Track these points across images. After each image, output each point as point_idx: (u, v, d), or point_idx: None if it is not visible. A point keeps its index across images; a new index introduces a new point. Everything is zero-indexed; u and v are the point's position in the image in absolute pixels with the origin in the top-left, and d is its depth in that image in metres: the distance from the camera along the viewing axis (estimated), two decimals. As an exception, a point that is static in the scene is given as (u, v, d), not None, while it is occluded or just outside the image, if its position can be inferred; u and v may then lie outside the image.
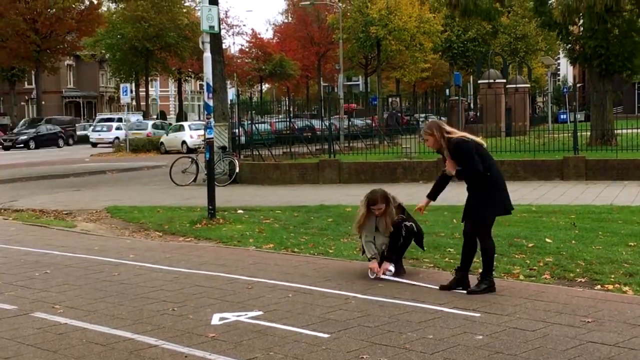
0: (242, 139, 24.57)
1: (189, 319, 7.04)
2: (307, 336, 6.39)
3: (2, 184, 24.30)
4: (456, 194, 16.76)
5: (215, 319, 6.98)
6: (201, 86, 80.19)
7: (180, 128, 43.21)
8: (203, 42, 13.77)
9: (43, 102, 60.29)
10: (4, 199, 18.95)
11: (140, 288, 8.40)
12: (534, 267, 8.95)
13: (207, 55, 13.74)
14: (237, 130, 23.93)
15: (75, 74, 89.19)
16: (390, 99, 51.43)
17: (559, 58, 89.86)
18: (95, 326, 6.85)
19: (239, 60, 75.11)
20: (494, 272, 8.04)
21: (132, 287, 8.45)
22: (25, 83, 76.38)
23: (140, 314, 7.25)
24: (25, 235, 13.02)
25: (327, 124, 26.53)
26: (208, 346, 6.16)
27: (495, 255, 9.63)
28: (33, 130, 55.17)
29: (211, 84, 13.91)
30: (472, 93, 54.45)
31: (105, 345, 6.29)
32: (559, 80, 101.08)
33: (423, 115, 42.97)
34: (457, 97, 41.66)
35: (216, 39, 20.19)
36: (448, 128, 8.03)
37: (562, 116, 60.84)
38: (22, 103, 78.75)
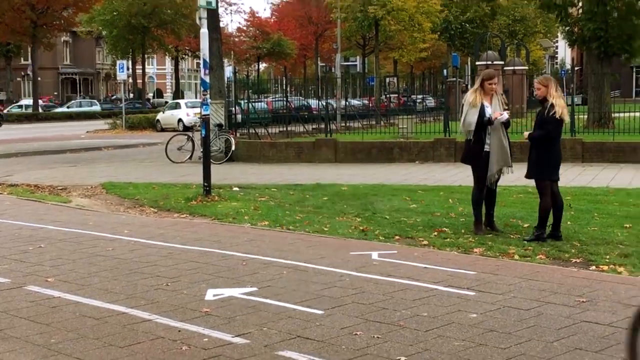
0: (239, 117, 24.51)
1: (182, 294, 7.03)
2: (301, 312, 6.38)
3: (-3, 159, 24.21)
4: (452, 175, 16.78)
5: (209, 295, 6.96)
6: (198, 64, 79.86)
7: (177, 106, 43.03)
8: (200, 18, 13.68)
9: (39, 79, 59.95)
10: (-1, 174, 18.88)
11: (135, 263, 8.38)
12: (529, 247, 8.94)
13: (204, 31, 13.65)
14: (233, 109, 23.86)
15: (71, 50, 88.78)
16: (387, 80, 51.26)
17: (557, 41, 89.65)
18: (89, 300, 6.83)
19: (236, 39, 74.78)
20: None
21: (126, 262, 8.43)
22: (22, 59, 75.97)
23: (134, 289, 7.23)
24: (19, 209, 12.97)
25: (324, 103, 26.43)
26: (201, 321, 6.15)
27: (491, 234, 9.69)
28: None
29: (208, 60, 13.82)
30: (469, 74, 54.34)
31: (98, 319, 6.27)
32: (557, 63, 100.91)
33: (420, 96, 42.89)
34: (454, 79, 41.54)
35: (213, 16, 20.06)
36: (558, 92, 9.25)
37: (559, 99, 60.63)
38: (18, 79, 78.42)
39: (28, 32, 53.35)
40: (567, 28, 30.10)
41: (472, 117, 9.62)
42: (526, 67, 47.02)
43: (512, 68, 43.06)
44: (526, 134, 9.64)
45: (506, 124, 9.73)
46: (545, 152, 9.35)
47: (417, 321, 6.10)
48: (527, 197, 12.95)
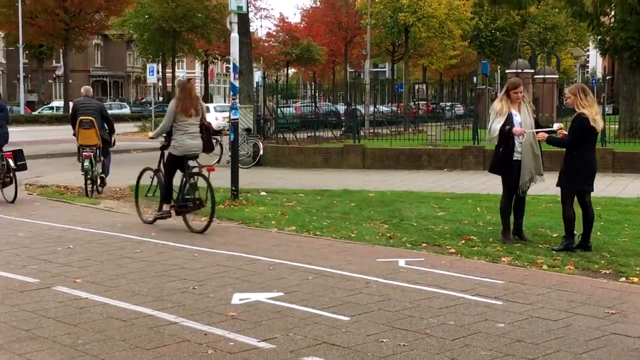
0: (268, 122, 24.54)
1: (209, 297, 7.04)
2: (327, 318, 6.36)
3: (28, 159, 24.42)
4: (480, 183, 16.68)
5: (236, 299, 6.96)
6: (227, 69, 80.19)
7: (206, 110, 43.24)
8: (231, 23, 13.72)
9: (70, 81, 60.48)
10: (30, 175, 19.04)
11: (162, 266, 8.41)
12: (558, 257, 8.85)
13: (235, 35, 13.70)
14: (262, 113, 23.91)
15: (102, 53, 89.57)
16: (416, 86, 51.14)
17: (588, 50, 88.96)
18: (116, 301, 6.87)
19: (266, 44, 74.99)
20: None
21: (154, 265, 8.47)
22: (54, 61, 76.76)
23: (161, 292, 7.25)
24: (49, 210, 13.08)
25: (352, 109, 26.41)
26: (227, 325, 6.15)
27: (519, 244, 9.61)
28: None
29: (238, 64, 13.86)
30: (499, 82, 54.08)
31: (125, 320, 6.29)
32: (587, 72, 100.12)
33: (449, 103, 42.73)
34: (484, 86, 41.35)
35: (244, 21, 20.13)
36: (588, 100, 9.15)
37: (589, 108, 60.18)
38: (50, 81, 79.18)
39: (60, 34, 53.88)
40: (599, 37, 29.86)
41: (497, 125, 9.56)
42: (556, 76, 46.71)
43: (542, 76, 42.77)
44: (557, 125, 9.67)
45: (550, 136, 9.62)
46: (575, 160, 9.21)
47: (444, 330, 6.06)
48: (556, 206, 12.79)
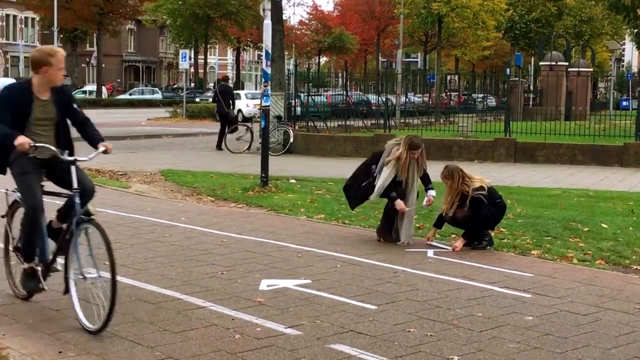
0: (298, 109, 24.55)
1: (237, 283, 7.06)
2: (355, 306, 6.35)
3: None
4: (510, 175, 16.56)
5: (263, 285, 6.98)
6: (259, 56, 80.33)
7: (237, 96, 43.32)
8: (264, 10, 13.73)
9: (103, 65, 60.92)
10: (62, 157, 19.26)
11: (191, 250, 8.45)
12: (589, 252, 8.77)
13: (267, 22, 13.70)
14: (293, 101, 23.92)
15: (135, 38, 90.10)
16: (448, 77, 50.84)
17: (624, 43, 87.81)
18: (145, 284, 6.91)
19: (298, 32, 74.94)
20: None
21: (183, 249, 8.51)
22: (87, 45, 77.32)
23: (190, 276, 7.29)
24: (80, 193, 13.17)
25: (384, 99, 26.32)
26: (255, 310, 6.17)
27: (549, 237, 9.52)
28: None
29: (270, 52, 13.87)
30: (532, 75, 53.59)
31: (154, 303, 6.34)
32: (623, 65, 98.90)
33: (481, 95, 42.45)
34: (517, 79, 41.01)
35: (277, 8, 20.13)
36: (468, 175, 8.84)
37: (624, 103, 59.50)
38: (83, 65, 79.77)
39: (94, 19, 54.27)
40: (635, 30, 29.48)
41: (385, 183, 9.06)
42: (591, 69, 46.19)
43: (576, 69, 42.34)
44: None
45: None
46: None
47: (472, 321, 6.03)
48: (587, 200, 12.72)
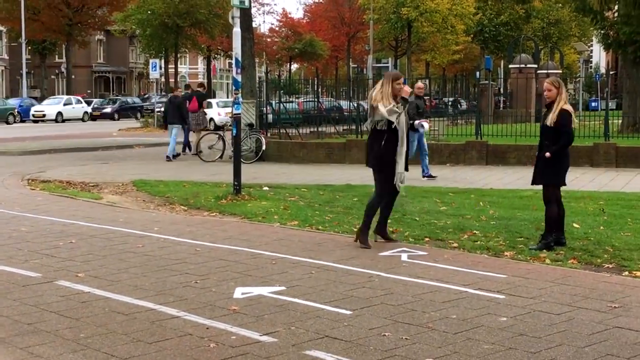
0: (270, 117, 24.54)
1: (211, 291, 7.03)
2: (329, 312, 6.35)
3: (31, 154, 24.50)
4: (483, 178, 16.66)
5: (238, 293, 6.96)
6: (230, 64, 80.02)
7: (208, 105, 43.21)
8: (233, 17, 13.70)
9: (73, 76, 60.57)
10: (32, 170, 19.07)
11: (164, 260, 8.41)
12: (561, 252, 8.84)
13: (237, 30, 13.68)
14: (264, 109, 23.89)
15: (105, 49, 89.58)
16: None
17: (592, 45, 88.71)
18: (118, 296, 6.86)
19: (268, 40, 75.02)
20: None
21: (156, 259, 8.46)
22: (56, 57, 76.79)
23: (163, 286, 7.25)
24: (51, 205, 13.08)
25: (355, 104, 26.38)
26: (230, 319, 6.15)
27: (522, 238, 9.58)
28: None
29: (240, 59, 13.85)
30: (502, 77, 54.03)
31: (127, 314, 6.29)
32: (591, 66, 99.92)
33: (452, 98, 42.64)
34: (487, 82, 41.30)
35: (246, 16, 20.11)
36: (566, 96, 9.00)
37: (593, 104, 59.97)
38: (52, 76, 79.24)
39: (63, 30, 54.03)
40: (603, 31, 29.81)
41: (395, 109, 9.43)
42: (560, 71, 46.64)
43: (545, 71, 42.73)
44: (548, 154, 9.07)
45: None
46: (564, 157, 9.16)
47: (446, 323, 6.05)
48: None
